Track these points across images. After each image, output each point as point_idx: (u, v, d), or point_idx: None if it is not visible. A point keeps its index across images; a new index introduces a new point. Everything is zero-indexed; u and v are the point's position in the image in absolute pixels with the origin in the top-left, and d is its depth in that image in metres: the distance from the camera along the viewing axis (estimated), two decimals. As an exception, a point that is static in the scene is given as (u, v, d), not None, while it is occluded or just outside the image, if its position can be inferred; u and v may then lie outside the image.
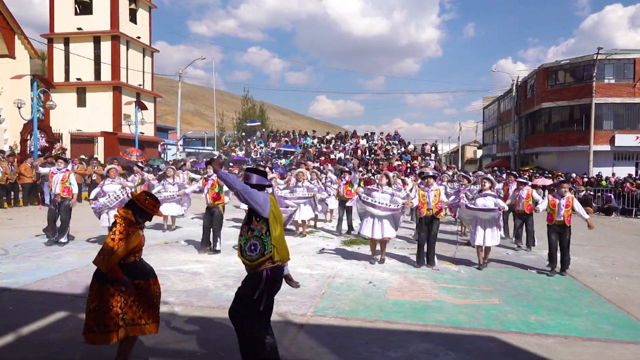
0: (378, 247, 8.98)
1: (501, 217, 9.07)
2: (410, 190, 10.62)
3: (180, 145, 40.95)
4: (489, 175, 10.36)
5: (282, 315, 5.66)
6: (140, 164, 13.71)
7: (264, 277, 3.88)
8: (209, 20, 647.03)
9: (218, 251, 9.31)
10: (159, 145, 34.88)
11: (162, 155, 34.86)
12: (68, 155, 24.64)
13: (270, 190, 4.31)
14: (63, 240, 9.77)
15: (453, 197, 12.95)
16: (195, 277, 7.40)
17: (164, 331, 4.82)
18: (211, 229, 9.39)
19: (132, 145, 26.89)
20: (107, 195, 9.63)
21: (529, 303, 6.48)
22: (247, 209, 4.06)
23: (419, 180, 9.93)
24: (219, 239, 9.45)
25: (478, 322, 5.64)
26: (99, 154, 27.73)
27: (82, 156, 21.44)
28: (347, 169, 13.42)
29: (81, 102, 30.71)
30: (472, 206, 8.65)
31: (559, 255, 8.39)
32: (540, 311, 6.11)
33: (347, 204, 11.15)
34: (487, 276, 8.05)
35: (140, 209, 4.04)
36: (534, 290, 7.19)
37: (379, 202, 8.54)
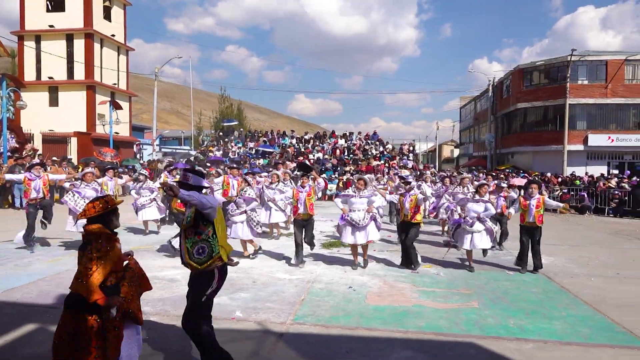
0: (360, 250, 8.94)
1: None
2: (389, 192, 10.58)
3: (157, 144, 40.32)
4: (484, 181, 10.39)
5: (261, 324, 5.55)
6: (114, 167, 13.16)
7: (217, 275, 4.10)
8: (186, 18, 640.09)
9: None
10: (135, 145, 34.31)
11: (138, 156, 34.29)
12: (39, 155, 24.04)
13: (207, 191, 4.24)
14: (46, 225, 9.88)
15: (434, 200, 13.01)
16: (172, 284, 7.24)
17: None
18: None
19: (106, 145, 26.39)
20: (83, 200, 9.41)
21: (508, 306, 6.51)
22: (192, 212, 4.02)
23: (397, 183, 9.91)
24: None
25: (458, 327, 5.63)
26: (72, 154, 27.13)
27: (55, 157, 20.94)
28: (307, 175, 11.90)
29: (53, 102, 29.95)
30: (469, 228, 8.60)
31: (530, 256, 8.61)
32: (519, 314, 6.14)
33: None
34: (466, 278, 8.07)
35: (113, 210, 3.71)
36: (512, 293, 7.22)
37: (358, 221, 8.34)
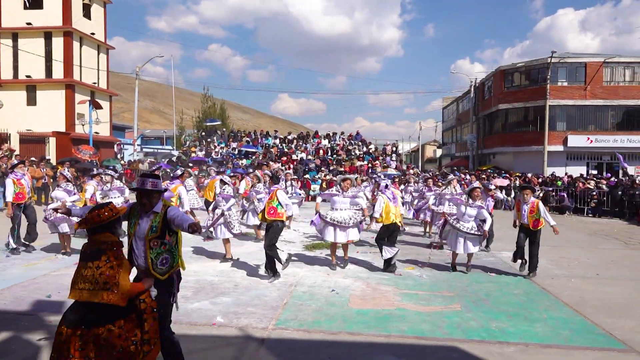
0: (340, 252, 8.89)
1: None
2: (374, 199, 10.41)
3: (138, 144, 39.83)
4: (477, 184, 10.13)
5: (242, 330, 5.47)
6: (97, 171, 12.01)
7: (175, 280, 4.12)
8: (168, 16, 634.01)
9: None
10: (115, 145, 33.80)
11: (119, 156, 33.81)
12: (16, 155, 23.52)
13: (167, 194, 4.21)
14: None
15: (418, 201, 12.93)
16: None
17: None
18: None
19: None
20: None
21: (490, 309, 6.53)
22: (159, 223, 3.92)
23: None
24: None
25: (441, 330, 5.62)
26: (51, 154, 26.61)
27: (33, 158, 20.51)
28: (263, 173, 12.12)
29: (31, 101, 29.30)
30: (464, 230, 8.46)
31: (527, 254, 8.57)
32: (501, 317, 6.16)
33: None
34: (449, 280, 8.09)
35: (118, 218, 3.62)
36: (493, 295, 7.26)
37: (341, 221, 8.47)
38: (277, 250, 7.80)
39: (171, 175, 11.41)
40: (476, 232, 8.43)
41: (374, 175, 15.19)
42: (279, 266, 7.81)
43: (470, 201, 8.54)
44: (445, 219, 9.18)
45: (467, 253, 8.64)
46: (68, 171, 10.81)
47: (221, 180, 9.55)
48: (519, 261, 8.72)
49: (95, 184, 10.73)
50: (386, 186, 9.11)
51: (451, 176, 14.17)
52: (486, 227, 8.50)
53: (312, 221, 8.93)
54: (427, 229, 13.05)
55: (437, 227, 11.26)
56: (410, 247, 11.10)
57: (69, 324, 3.32)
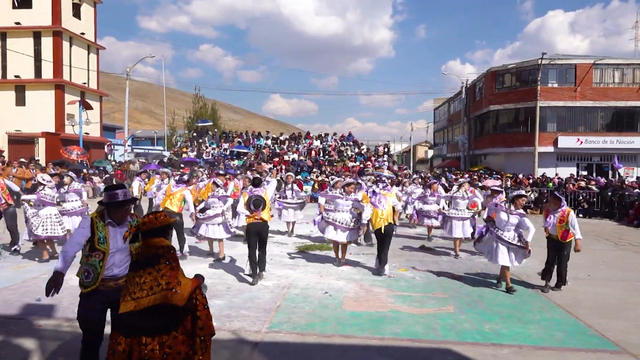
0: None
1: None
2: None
3: (129, 145, 39.57)
4: (522, 191, 8.67)
5: (235, 333, 5.43)
6: (70, 173, 10.99)
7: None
8: (159, 16, 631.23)
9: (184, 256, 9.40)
10: (106, 146, 33.54)
11: (109, 157, 33.58)
12: (5, 157, 23.29)
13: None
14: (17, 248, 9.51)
15: (421, 204, 12.59)
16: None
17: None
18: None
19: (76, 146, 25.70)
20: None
21: (483, 310, 6.53)
22: (85, 238, 3.83)
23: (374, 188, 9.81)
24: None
25: (435, 333, 5.61)
26: (40, 155, 26.37)
27: (22, 159, 20.32)
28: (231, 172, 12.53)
29: (20, 101, 29.02)
30: (506, 239, 7.54)
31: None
32: (495, 319, 6.16)
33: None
34: (442, 282, 8.09)
35: (170, 224, 3.64)
36: (487, 297, 7.26)
37: (342, 222, 9.00)
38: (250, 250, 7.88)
39: (176, 179, 11.14)
40: (518, 243, 7.53)
41: (361, 178, 15.00)
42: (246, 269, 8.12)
43: (512, 208, 7.66)
44: (485, 226, 8.19)
45: (503, 264, 7.60)
46: (43, 173, 10.52)
47: (214, 182, 9.79)
48: (547, 278, 7.83)
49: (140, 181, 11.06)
50: (373, 192, 9.08)
51: (463, 179, 13.78)
52: (529, 237, 7.50)
53: (314, 220, 9.63)
54: (430, 233, 12.59)
55: (446, 231, 10.88)
56: (402, 250, 11.09)
57: (128, 333, 3.29)
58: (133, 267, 3.43)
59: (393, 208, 8.95)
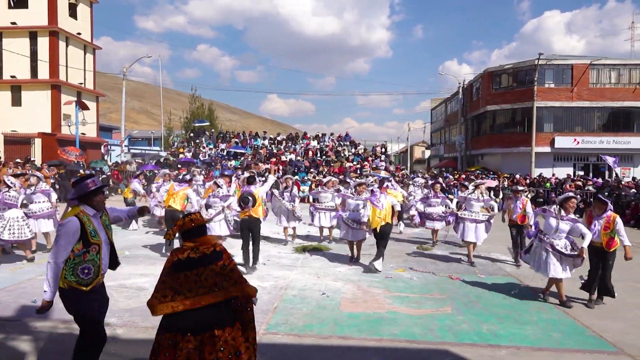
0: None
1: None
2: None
3: (125, 145, 39.51)
4: (571, 194, 7.32)
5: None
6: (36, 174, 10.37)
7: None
8: (157, 16, 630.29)
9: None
10: (102, 146, 33.45)
11: (106, 157, 33.48)
12: (1, 157, 23.21)
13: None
14: None
15: (424, 206, 11.91)
16: (140, 293, 7.00)
17: (104, 357, 4.47)
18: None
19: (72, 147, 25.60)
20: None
21: (481, 311, 6.53)
22: (74, 242, 3.76)
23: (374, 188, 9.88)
24: None
25: (433, 334, 5.60)
26: (36, 156, 26.27)
27: (18, 160, 20.24)
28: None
29: (16, 101, 28.92)
30: (558, 248, 6.84)
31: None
32: (492, 320, 6.16)
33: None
34: (439, 283, 8.08)
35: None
36: (484, 297, 7.26)
37: (353, 220, 9.35)
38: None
39: (179, 178, 11.30)
40: (571, 252, 6.81)
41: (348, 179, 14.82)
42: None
43: (563, 213, 6.93)
44: (529, 230, 7.54)
45: (554, 277, 6.90)
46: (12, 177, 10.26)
47: (215, 183, 10.14)
48: (591, 291, 7.05)
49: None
50: (372, 191, 9.21)
51: (480, 180, 13.30)
52: (585, 243, 6.68)
53: (336, 214, 10.34)
54: (435, 238, 11.93)
55: (458, 234, 10.12)
56: (399, 250, 11.08)
57: (185, 330, 3.33)
58: (183, 267, 3.41)
59: (393, 208, 8.99)
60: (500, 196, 21.73)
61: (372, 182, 13.14)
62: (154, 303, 3.39)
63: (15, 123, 27.59)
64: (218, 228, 9.68)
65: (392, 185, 11.99)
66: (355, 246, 9.62)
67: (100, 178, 23.39)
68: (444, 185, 15.41)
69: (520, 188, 10.04)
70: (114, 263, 4.15)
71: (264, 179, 11.28)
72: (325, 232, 12.09)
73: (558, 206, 7.02)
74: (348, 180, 13.08)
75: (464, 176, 26.03)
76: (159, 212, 12.32)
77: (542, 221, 7.41)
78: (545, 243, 6.95)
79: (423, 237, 12.89)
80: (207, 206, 9.81)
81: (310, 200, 11.26)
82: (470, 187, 10.83)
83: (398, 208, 9.39)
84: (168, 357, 3.32)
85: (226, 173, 13.40)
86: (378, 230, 8.69)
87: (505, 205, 10.43)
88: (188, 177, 11.86)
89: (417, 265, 9.34)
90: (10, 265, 8.57)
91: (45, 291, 3.72)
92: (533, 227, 7.75)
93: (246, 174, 11.94)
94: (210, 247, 3.49)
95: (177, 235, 3.68)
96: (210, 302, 3.36)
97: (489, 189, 19.70)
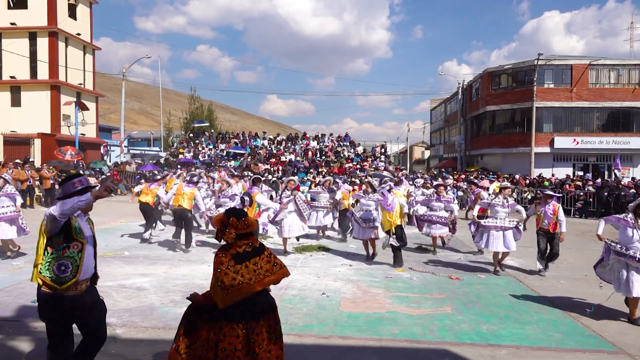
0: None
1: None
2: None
3: (125, 146, 39.49)
4: None
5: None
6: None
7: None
8: (156, 16, 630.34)
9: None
10: (102, 147, 33.44)
11: (106, 158, 33.46)
12: (0, 157, 23.20)
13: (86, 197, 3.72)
14: None
15: (425, 209, 11.37)
16: (140, 293, 7.00)
17: (104, 358, 4.47)
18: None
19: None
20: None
21: (480, 311, 6.52)
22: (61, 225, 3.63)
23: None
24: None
25: (432, 334, 5.60)
26: (36, 157, 26.26)
27: (18, 160, 20.21)
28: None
29: (15, 102, 28.91)
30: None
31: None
32: (492, 319, 6.15)
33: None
34: (439, 283, 8.08)
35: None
36: (484, 297, 7.25)
37: (365, 220, 9.45)
38: None
39: (187, 179, 11.49)
40: None
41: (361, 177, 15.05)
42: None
43: None
44: (605, 243, 6.61)
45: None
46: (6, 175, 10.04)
47: (225, 181, 10.85)
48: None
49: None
50: (382, 194, 9.21)
51: (505, 182, 12.47)
52: None
53: (350, 213, 10.23)
54: (435, 245, 11.04)
55: (479, 246, 9.37)
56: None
57: (241, 318, 3.47)
58: (244, 258, 3.56)
59: (401, 209, 9.22)
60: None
61: (384, 181, 12.86)
62: (220, 294, 3.50)
63: (15, 123, 27.57)
64: None
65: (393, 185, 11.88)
66: (369, 244, 9.76)
67: (100, 179, 23.37)
68: (448, 187, 15.06)
69: (551, 192, 9.05)
70: (93, 275, 3.92)
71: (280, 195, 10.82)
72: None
73: (633, 214, 6.34)
74: (355, 179, 13.23)
75: (463, 176, 26.02)
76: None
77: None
78: (629, 258, 6.07)
79: (423, 237, 12.84)
80: (218, 205, 10.37)
81: (309, 198, 11.47)
82: (491, 187, 10.13)
83: (406, 210, 9.50)
84: (210, 345, 3.45)
85: (236, 173, 13.60)
86: (392, 233, 8.99)
87: (530, 211, 9.32)
88: (195, 179, 12.07)
89: (417, 265, 9.34)
90: (9, 266, 8.56)
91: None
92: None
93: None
94: (257, 242, 3.76)
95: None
96: (266, 286, 3.61)
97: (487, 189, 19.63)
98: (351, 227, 10.17)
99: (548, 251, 8.90)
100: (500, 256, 8.90)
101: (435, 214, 10.75)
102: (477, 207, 9.61)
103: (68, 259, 3.62)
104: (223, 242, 3.63)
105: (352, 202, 12.11)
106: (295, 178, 10.92)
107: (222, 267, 3.49)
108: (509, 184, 10.20)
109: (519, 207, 9.33)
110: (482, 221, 8.87)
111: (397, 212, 8.98)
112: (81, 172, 13.32)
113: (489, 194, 10.57)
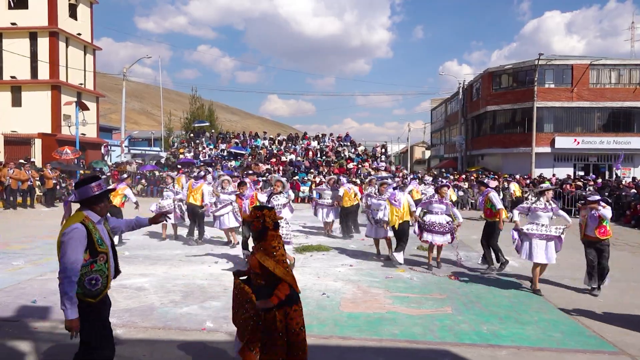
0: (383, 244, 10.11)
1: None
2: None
3: (125, 146, 39.49)
4: None
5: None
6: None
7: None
8: (157, 17, 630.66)
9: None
10: (103, 147, 33.45)
11: (106, 158, 33.47)
12: (1, 157, 23.21)
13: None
14: None
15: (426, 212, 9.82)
16: (140, 293, 7.00)
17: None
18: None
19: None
20: None
21: (481, 311, 6.51)
22: (81, 239, 3.44)
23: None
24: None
25: (433, 334, 5.59)
26: (36, 156, 26.27)
27: (21, 160, 20.23)
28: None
29: (16, 102, 28.91)
30: None
31: None
32: (492, 320, 6.14)
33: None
34: (439, 283, 8.07)
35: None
36: (484, 297, 7.24)
37: (377, 220, 9.49)
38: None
39: (193, 175, 12.25)
40: None
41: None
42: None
43: None
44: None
45: None
46: None
47: (227, 181, 11.11)
48: None
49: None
50: (392, 190, 9.65)
51: (546, 184, 11.39)
52: None
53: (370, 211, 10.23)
54: (438, 256, 9.52)
55: (523, 255, 7.77)
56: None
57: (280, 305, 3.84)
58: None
59: (409, 207, 9.43)
60: (501, 196, 21.66)
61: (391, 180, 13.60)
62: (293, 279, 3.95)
63: (16, 123, 27.58)
64: (227, 220, 10.66)
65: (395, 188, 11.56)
66: (386, 244, 9.82)
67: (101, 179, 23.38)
68: (451, 188, 14.87)
69: (597, 198, 7.88)
70: (115, 271, 3.86)
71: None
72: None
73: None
74: (369, 178, 13.68)
75: (463, 176, 26.01)
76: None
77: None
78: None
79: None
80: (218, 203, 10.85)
81: (314, 194, 12.01)
82: (532, 192, 8.54)
83: (414, 209, 9.53)
84: (260, 328, 3.86)
85: (227, 173, 13.75)
86: (397, 228, 9.18)
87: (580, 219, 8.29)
88: (202, 173, 13.06)
89: (417, 266, 9.32)
90: (9, 266, 8.56)
91: (63, 309, 3.34)
92: None
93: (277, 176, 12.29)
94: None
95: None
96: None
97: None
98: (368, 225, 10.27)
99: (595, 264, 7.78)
100: (539, 269, 7.70)
101: (436, 220, 9.20)
102: (516, 212, 8.17)
103: (97, 272, 3.52)
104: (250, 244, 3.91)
105: (365, 202, 12.14)
106: (284, 179, 10.05)
107: (282, 256, 3.88)
108: (550, 186, 9.06)
109: (562, 212, 8.06)
110: (524, 228, 7.74)
111: (405, 208, 9.30)
112: (98, 174, 13.46)
113: (511, 192, 10.61)
